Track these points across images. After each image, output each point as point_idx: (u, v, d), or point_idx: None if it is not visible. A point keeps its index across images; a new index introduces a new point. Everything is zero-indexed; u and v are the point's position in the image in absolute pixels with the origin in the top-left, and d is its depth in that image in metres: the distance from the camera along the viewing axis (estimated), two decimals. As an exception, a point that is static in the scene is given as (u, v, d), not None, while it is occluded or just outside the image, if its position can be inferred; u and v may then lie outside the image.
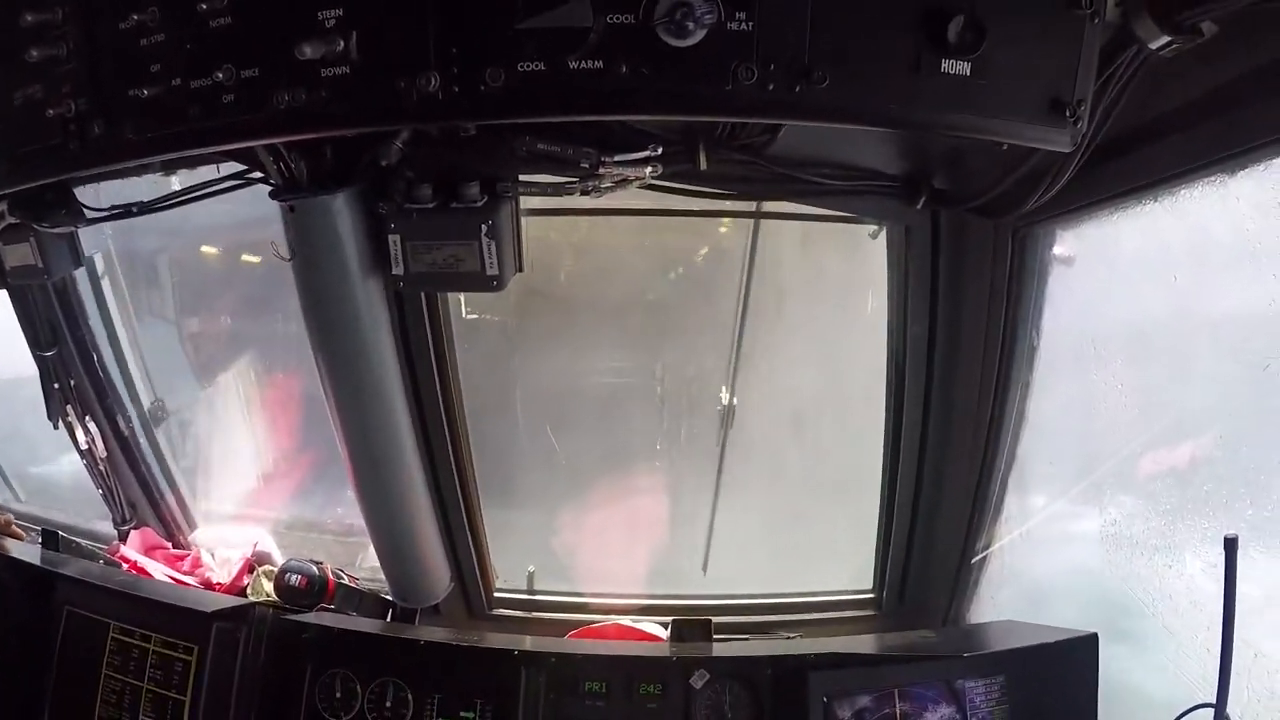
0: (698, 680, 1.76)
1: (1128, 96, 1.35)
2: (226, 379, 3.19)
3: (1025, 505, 2.26)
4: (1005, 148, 1.38)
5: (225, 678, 1.75)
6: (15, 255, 2.04)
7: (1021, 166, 1.57)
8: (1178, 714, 1.66)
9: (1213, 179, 1.45)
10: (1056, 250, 1.89)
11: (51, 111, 1.36)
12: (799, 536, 3.13)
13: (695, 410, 3.02)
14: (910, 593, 2.57)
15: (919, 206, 1.83)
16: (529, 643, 1.86)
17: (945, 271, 1.99)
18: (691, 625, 1.79)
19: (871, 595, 2.68)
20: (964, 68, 1.08)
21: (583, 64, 1.09)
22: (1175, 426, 1.83)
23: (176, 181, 1.95)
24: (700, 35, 1.06)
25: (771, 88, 1.07)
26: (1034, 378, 2.02)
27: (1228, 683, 1.56)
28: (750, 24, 1.06)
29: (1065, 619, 1.96)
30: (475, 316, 2.73)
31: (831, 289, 2.85)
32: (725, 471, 2.99)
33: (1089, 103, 1.14)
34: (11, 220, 1.94)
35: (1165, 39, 1.15)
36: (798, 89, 1.07)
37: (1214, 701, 1.59)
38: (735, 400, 2.89)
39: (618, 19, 1.07)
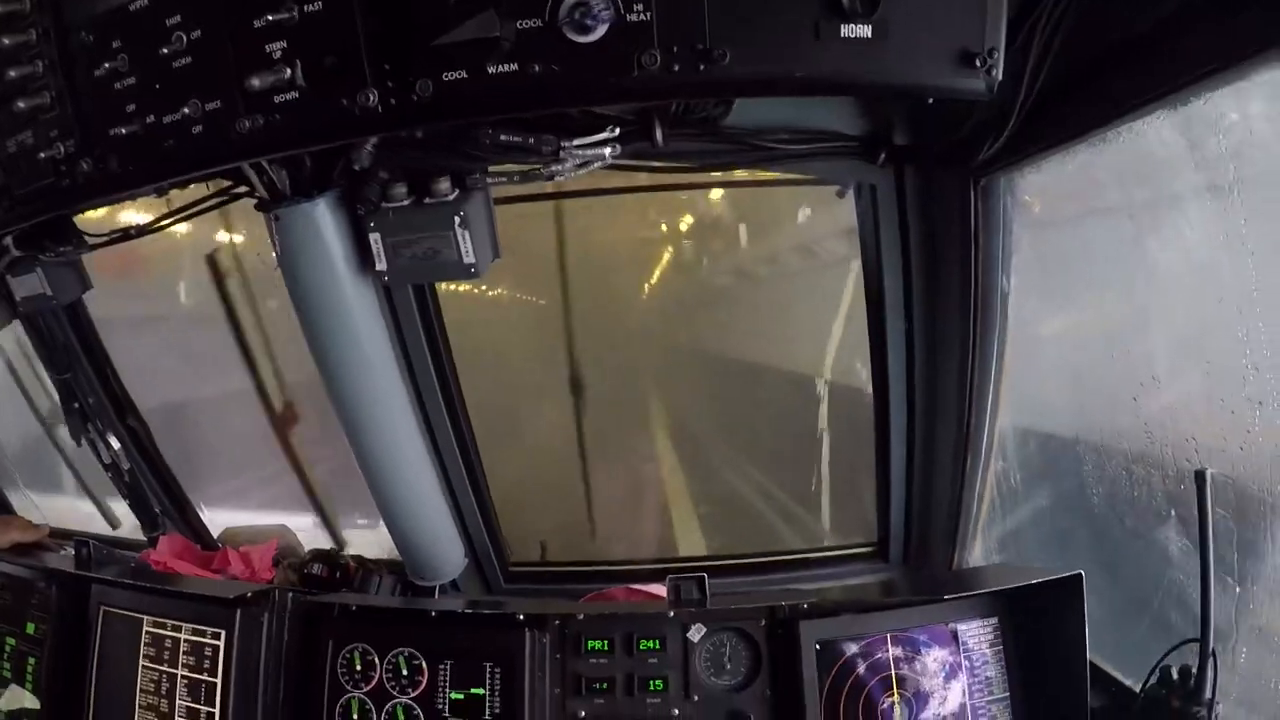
0: (695, 634, 1.83)
1: (1062, 37, 1.36)
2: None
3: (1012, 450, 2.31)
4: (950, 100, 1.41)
5: (252, 658, 1.87)
6: (24, 286, 2.17)
7: (971, 117, 1.60)
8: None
9: (1155, 115, 1.45)
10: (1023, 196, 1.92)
11: (43, 154, 1.51)
12: (804, 492, 3.19)
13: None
14: (914, 542, 2.62)
15: (879, 164, 1.86)
16: (532, 606, 1.95)
17: (915, 225, 2.02)
18: (688, 581, 1.85)
19: (875, 548, 2.74)
20: (865, 30, 1.13)
21: (500, 68, 1.19)
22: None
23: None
24: (602, 30, 1.14)
25: (676, 69, 1.14)
26: (1009, 322, 2.06)
27: (1209, 616, 1.58)
28: (648, 14, 1.13)
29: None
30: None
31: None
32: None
33: (1001, 50, 1.16)
34: (17, 254, 2.06)
35: None
36: (701, 68, 1.14)
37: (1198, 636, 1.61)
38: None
39: (526, 24, 1.17)
